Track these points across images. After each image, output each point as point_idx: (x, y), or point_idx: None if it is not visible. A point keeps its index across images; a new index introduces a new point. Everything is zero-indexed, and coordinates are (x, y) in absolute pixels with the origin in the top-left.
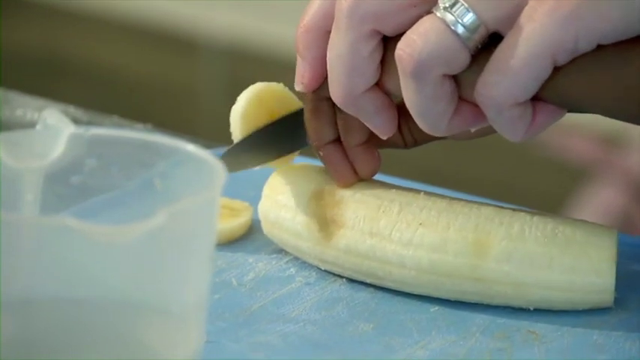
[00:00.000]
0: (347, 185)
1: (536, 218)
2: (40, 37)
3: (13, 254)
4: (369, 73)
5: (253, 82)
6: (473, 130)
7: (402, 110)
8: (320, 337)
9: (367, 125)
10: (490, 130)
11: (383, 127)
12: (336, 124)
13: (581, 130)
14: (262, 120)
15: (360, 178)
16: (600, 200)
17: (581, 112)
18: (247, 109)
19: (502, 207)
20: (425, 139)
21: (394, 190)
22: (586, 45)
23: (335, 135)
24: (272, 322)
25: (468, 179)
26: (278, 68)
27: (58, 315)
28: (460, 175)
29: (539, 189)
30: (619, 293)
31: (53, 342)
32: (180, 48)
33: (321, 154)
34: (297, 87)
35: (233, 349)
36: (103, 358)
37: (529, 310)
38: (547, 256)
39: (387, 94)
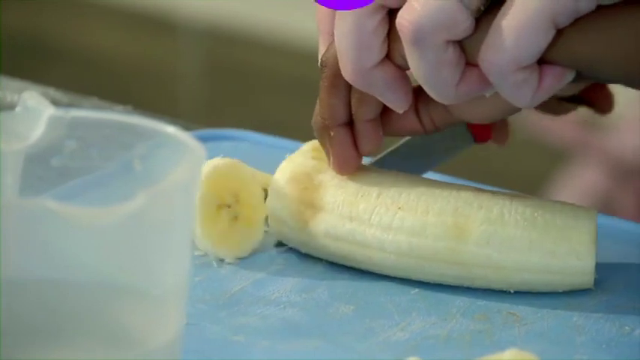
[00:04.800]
0: (345, 172)
1: (515, 201)
2: (19, 20)
3: None
4: (376, 47)
5: (233, 64)
6: (488, 94)
7: (419, 94)
8: (300, 319)
9: (381, 100)
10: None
11: (396, 101)
12: (350, 105)
13: None
14: (224, 198)
15: (358, 168)
16: (581, 182)
17: (589, 74)
18: (205, 190)
19: (481, 190)
20: (445, 122)
21: (373, 174)
22: (586, 5)
23: (348, 117)
24: (252, 305)
25: (448, 161)
26: (257, 50)
27: (37, 297)
28: None
29: (519, 170)
30: (599, 275)
31: (33, 324)
32: (159, 29)
33: (332, 134)
34: (320, 62)
35: (213, 331)
36: (82, 339)
37: (509, 292)
38: (527, 239)
39: (398, 67)
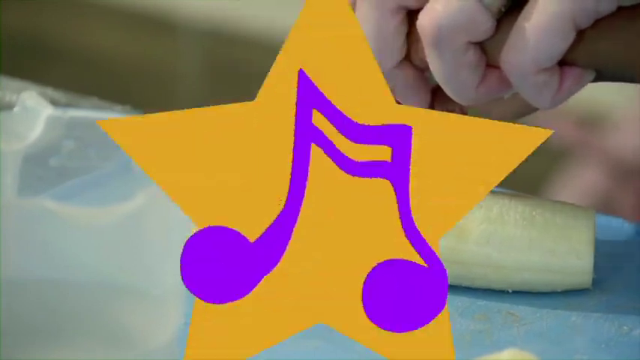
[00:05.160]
0: None
1: (514, 201)
2: (19, 20)
3: None
4: (396, 48)
5: (233, 64)
6: (507, 96)
7: (436, 93)
8: None
9: (399, 101)
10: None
11: (414, 102)
12: None
13: (561, 111)
14: None
15: None
16: (581, 182)
17: (609, 75)
18: None
19: None
20: None
21: None
22: (607, 6)
23: None
24: None
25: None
26: (257, 50)
27: (37, 297)
28: None
29: (519, 170)
30: (598, 275)
31: (33, 324)
32: (159, 29)
33: None
34: None
35: None
36: (82, 339)
37: (509, 292)
38: (526, 238)
39: (418, 69)
